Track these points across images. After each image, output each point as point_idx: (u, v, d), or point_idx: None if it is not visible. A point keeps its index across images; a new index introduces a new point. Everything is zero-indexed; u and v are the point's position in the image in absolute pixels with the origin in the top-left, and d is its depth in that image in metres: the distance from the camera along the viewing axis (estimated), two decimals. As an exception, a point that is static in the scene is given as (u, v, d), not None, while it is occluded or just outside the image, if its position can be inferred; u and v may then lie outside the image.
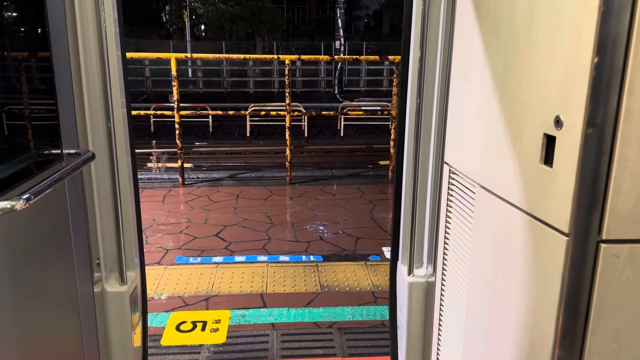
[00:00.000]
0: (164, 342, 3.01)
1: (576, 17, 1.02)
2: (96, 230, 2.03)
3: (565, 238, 1.07)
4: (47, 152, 1.67)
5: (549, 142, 1.13)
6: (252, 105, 14.21)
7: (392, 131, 6.97)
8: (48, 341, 1.65)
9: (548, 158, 1.13)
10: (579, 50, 1.00)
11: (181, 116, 6.55)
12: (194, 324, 3.21)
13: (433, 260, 2.15)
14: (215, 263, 4.15)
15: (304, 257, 4.30)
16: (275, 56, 6.86)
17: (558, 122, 1.08)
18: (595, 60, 0.97)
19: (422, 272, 2.21)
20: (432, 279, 2.14)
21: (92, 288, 2.02)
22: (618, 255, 1.05)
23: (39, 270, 1.57)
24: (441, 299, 1.94)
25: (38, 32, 1.64)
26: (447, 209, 1.84)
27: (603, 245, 1.05)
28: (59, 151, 1.72)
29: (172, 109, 6.69)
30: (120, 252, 2.05)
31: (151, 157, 7.86)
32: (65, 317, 1.79)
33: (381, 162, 8.75)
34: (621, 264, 1.05)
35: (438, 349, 2.00)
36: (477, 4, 1.52)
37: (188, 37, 27.65)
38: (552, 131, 1.10)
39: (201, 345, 2.98)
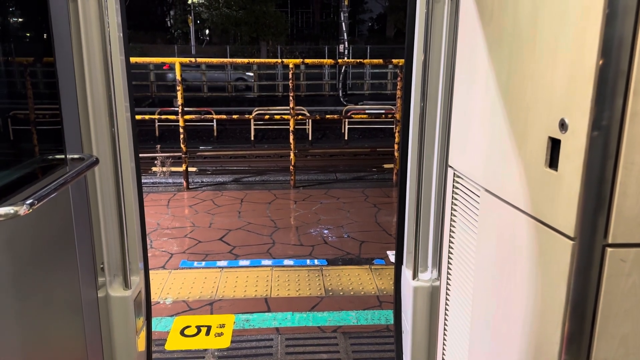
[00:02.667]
0: (168, 346, 3.01)
1: (581, 19, 1.01)
2: (100, 235, 2.03)
3: (571, 242, 1.06)
4: (50, 157, 1.67)
5: (554, 145, 1.12)
6: (256, 109, 14.24)
7: (397, 134, 6.96)
8: (52, 346, 1.65)
9: (553, 161, 1.12)
10: (584, 53, 1.00)
11: (186, 120, 6.57)
12: (199, 328, 3.21)
13: (438, 264, 2.14)
14: (219, 267, 4.14)
15: (308, 261, 4.29)
16: (279, 60, 6.85)
17: (563, 126, 1.07)
18: (600, 62, 0.96)
19: (426, 277, 2.20)
20: (437, 283, 2.13)
21: (96, 293, 2.02)
22: (624, 259, 1.04)
23: (42, 275, 1.57)
24: (446, 303, 1.93)
25: (42, 38, 1.65)
26: (451, 212, 1.83)
27: (609, 250, 1.04)
28: (63, 156, 1.72)
29: (176, 113, 6.70)
30: (124, 257, 2.05)
31: (156, 162, 7.88)
32: (69, 322, 1.79)
33: (385, 166, 8.73)
34: (628, 268, 1.04)
35: (443, 354, 1.99)
36: (480, 8, 1.52)
37: (193, 42, 27.77)
38: (557, 134, 1.09)
39: (205, 350, 2.98)
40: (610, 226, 1.02)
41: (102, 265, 2.05)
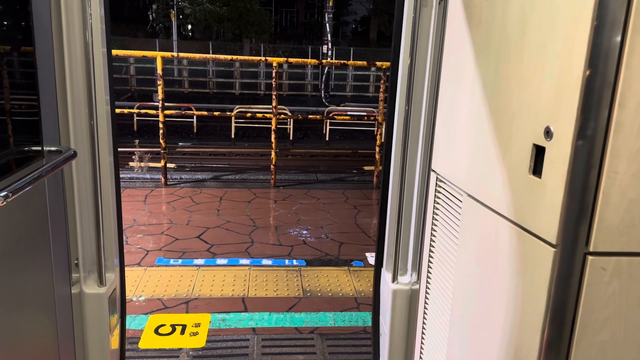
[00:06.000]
0: (142, 345, 2.96)
1: (569, 29, 1.02)
2: (75, 230, 1.98)
3: (553, 249, 1.07)
4: (27, 149, 1.63)
5: (539, 152, 1.13)
6: (237, 106, 14.15)
7: (378, 137, 6.99)
8: (23, 343, 1.60)
9: (537, 169, 1.13)
10: (571, 62, 1.01)
11: (165, 116, 6.48)
12: (173, 327, 3.16)
13: (417, 267, 2.14)
14: (196, 265, 4.10)
15: (286, 261, 4.27)
16: (262, 58, 6.84)
17: (548, 133, 1.08)
18: (587, 72, 0.97)
19: (406, 280, 2.20)
20: (416, 286, 2.13)
21: (70, 289, 1.97)
22: (605, 267, 1.05)
23: (15, 270, 1.53)
24: (425, 307, 1.93)
25: (21, 26, 1.60)
26: (433, 216, 1.83)
27: (590, 258, 1.05)
28: (40, 148, 1.67)
29: (156, 108, 6.61)
30: (99, 253, 2.01)
31: (134, 157, 7.76)
32: (41, 319, 1.74)
33: (366, 168, 8.76)
34: (608, 276, 1.06)
35: (421, 358, 1.99)
36: (468, 14, 1.53)
37: (175, 37, 27.47)
38: (542, 142, 1.10)
39: (180, 349, 2.94)
40: (592, 234, 1.04)
41: (76, 261, 2.01)
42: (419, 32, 1.96)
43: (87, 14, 1.81)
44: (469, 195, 1.49)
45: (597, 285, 1.06)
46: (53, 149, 1.72)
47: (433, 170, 1.83)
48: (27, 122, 1.65)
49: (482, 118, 1.39)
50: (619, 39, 0.96)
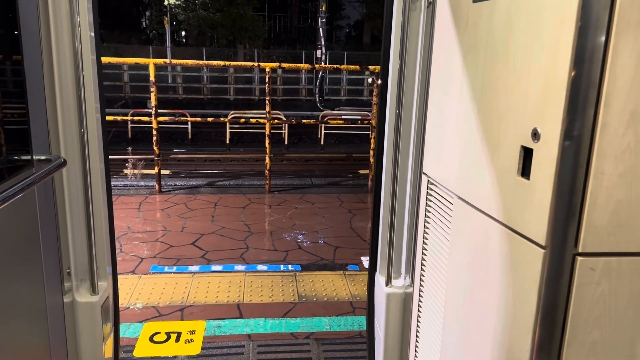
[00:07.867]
0: (136, 353, 2.94)
1: (554, 31, 1.02)
2: (67, 238, 1.97)
3: (542, 251, 1.07)
4: (16, 157, 1.62)
5: (526, 154, 1.13)
6: (232, 112, 14.14)
7: (372, 140, 7.00)
8: (14, 354, 1.58)
9: (525, 170, 1.14)
10: (557, 64, 1.01)
11: (159, 122, 6.47)
12: (168, 334, 3.14)
13: (411, 271, 2.14)
14: (191, 272, 4.08)
15: (282, 267, 4.26)
16: (256, 64, 6.86)
17: (535, 135, 1.08)
18: (573, 73, 0.98)
19: (400, 283, 2.20)
20: (410, 289, 2.13)
21: (62, 298, 1.96)
22: (594, 268, 1.05)
23: (5, 279, 1.51)
24: (419, 310, 1.93)
25: (9, 35, 1.59)
26: (425, 219, 1.84)
27: (579, 258, 1.05)
28: (29, 157, 1.66)
29: (150, 114, 6.60)
30: (91, 261, 2.00)
31: (127, 164, 7.74)
32: (33, 329, 1.73)
33: (361, 171, 8.76)
34: (597, 276, 1.06)
35: (415, 361, 1.99)
36: (456, 17, 1.53)
37: (168, 43, 27.46)
38: (530, 143, 1.10)
39: (175, 357, 2.92)
40: (580, 235, 1.04)
41: (68, 270, 1.99)
42: (408, 35, 1.97)
43: (75, 21, 1.80)
44: (460, 198, 1.49)
45: (586, 286, 1.06)
46: (43, 157, 1.72)
47: (424, 173, 1.84)
48: (16, 130, 1.64)
49: (471, 120, 1.40)
50: (603, 39, 0.96)
